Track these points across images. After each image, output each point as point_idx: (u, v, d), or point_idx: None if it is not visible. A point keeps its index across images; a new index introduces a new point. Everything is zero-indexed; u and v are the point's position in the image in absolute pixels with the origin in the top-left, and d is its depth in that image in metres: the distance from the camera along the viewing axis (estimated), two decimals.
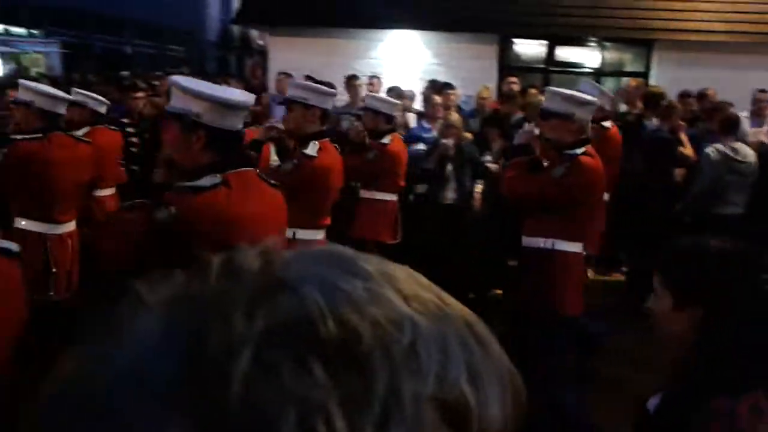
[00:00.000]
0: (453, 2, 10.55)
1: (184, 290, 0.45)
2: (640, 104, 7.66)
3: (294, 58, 10.64)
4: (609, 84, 10.97)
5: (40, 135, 4.10)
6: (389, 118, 5.71)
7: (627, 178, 6.19)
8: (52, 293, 4.13)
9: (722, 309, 1.66)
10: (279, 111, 8.63)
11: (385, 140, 5.61)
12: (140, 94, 7.90)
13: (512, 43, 11.35)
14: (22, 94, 4.28)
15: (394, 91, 8.27)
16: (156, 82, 9.86)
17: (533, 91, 7.91)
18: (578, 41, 11.23)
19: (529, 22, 10.69)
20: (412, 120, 8.02)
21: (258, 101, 8.39)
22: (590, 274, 7.00)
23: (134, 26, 32.70)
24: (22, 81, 4.69)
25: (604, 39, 10.98)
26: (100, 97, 6.14)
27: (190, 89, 2.58)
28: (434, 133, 6.77)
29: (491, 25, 10.72)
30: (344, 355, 0.41)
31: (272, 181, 2.91)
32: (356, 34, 11.05)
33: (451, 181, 6.33)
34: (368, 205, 5.67)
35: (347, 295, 0.43)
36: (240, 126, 2.70)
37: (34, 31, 26.04)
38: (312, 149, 4.03)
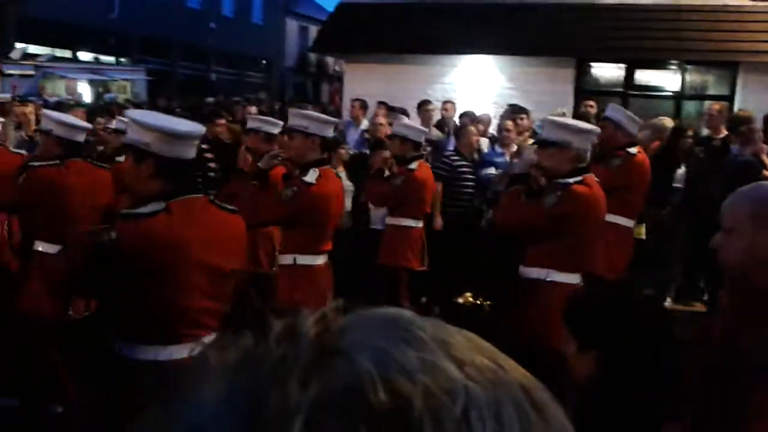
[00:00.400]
0: (528, 26, 10.49)
1: (247, 355, 0.47)
2: (723, 129, 7.39)
3: (368, 84, 10.79)
4: (690, 108, 10.64)
5: (57, 162, 4.31)
6: (417, 145, 5.73)
7: (710, 204, 5.96)
8: (71, 313, 4.30)
9: (617, 354, 1.84)
10: (353, 136, 8.78)
11: (412, 166, 5.61)
12: (221, 122, 8.16)
13: (589, 66, 11.17)
14: (43, 123, 4.55)
15: (467, 116, 8.25)
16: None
17: None
18: (659, 64, 10.96)
19: (606, 45, 10.52)
20: (485, 145, 7.97)
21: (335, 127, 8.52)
22: (669, 303, 6.75)
23: (216, 54, 33.87)
24: (44, 111, 4.97)
25: (687, 62, 10.68)
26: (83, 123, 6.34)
27: (140, 121, 2.73)
28: (507, 158, 6.71)
29: (567, 48, 10.59)
30: (395, 424, 0.41)
31: (230, 207, 3.00)
32: (430, 60, 11.12)
33: None
34: (394, 232, 5.68)
35: (399, 364, 0.44)
36: (191, 155, 2.79)
37: (122, 59, 27.31)
38: (311, 176, 4.08)
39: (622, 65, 10.94)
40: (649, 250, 6.27)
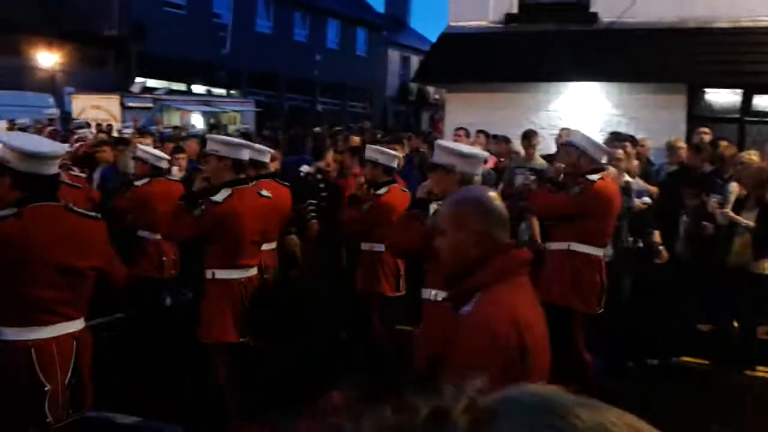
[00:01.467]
0: (637, 52, 10.20)
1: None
2: None
3: (471, 112, 10.77)
4: None
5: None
6: (388, 170, 5.63)
7: None
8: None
9: None
10: None
11: (381, 191, 5.49)
12: (330, 154, 8.36)
13: (703, 91, 10.71)
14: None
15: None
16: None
17: (724, 143, 7.38)
18: None
19: (721, 70, 10.06)
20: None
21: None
22: None
23: (321, 85, 34.82)
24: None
25: None
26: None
27: (4, 142, 3.24)
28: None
29: (679, 73, 10.21)
30: None
31: (90, 214, 3.45)
32: (534, 88, 10.99)
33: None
34: (368, 257, 5.60)
35: None
36: (51, 171, 3.24)
37: (233, 92, 28.54)
38: (220, 196, 4.29)
39: (739, 90, 10.41)
40: None
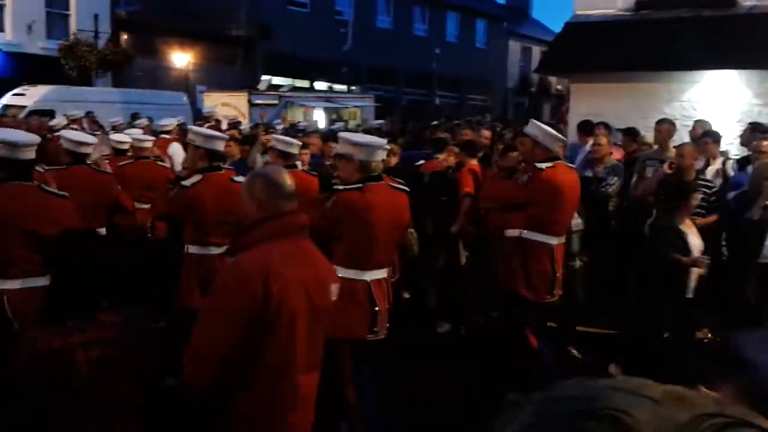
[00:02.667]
0: None
1: None
2: None
3: (596, 104, 10.37)
4: None
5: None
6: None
7: None
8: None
9: None
10: (579, 158, 8.45)
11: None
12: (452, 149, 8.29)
13: None
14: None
15: (711, 136, 7.58)
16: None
17: None
18: None
19: None
20: (730, 167, 7.26)
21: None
22: None
23: (439, 79, 34.77)
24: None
25: None
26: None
27: None
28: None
29: None
30: None
31: (59, 193, 4.25)
32: (667, 77, 10.41)
33: None
34: None
35: None
36: (25, 157, 4.07)
37: (353, 87, 29.03)
38: (189, 181, 4.77)
39: None
40: None
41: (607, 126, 8.65)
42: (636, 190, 7.04)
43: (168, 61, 25.54)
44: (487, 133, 9.47)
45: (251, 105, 18.93)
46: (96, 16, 22.26)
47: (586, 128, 8.84)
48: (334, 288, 2.85)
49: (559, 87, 40.27)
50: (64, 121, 11.24)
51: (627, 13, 10.96)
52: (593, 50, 10.84)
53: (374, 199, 4.07)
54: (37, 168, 5.18)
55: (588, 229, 6.31)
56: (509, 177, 5.56)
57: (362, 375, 4.25)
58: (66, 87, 18.21)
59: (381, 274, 4.20)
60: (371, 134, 10.81)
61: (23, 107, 15.70)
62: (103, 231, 5.85)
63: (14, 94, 16.84)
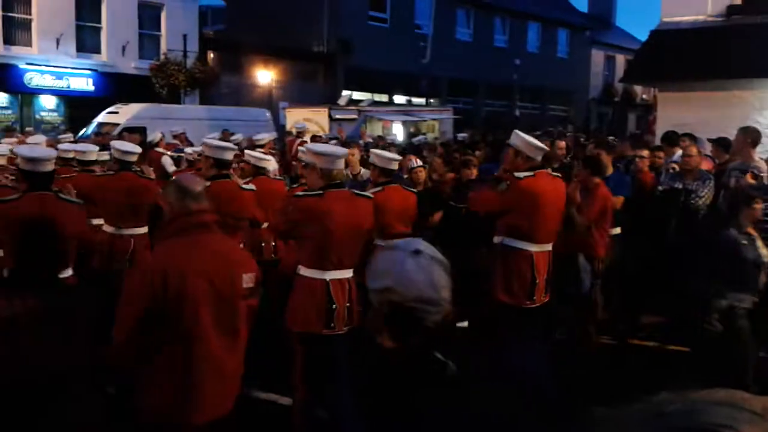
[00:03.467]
0: None
1: None
2: None
3: (684, 113, 10.01)
4: None
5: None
6: (386, 171, 5.97)
7: None
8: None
9: None
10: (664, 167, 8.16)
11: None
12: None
13: None
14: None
15: None
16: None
17: None
18: None
19: None
20: None
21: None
22: None
23: (520, 89, 34.38)
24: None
25: None
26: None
27: (14, 150, 5.21)
28: None
29: None
30: None
31: (73, 200, 4.80)
32: (760, 85, 9.96)
33: None
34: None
35: None
36: (45, 169, 4.64)
37: (431, 100, 29.03)
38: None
39: None
40: None
41: (692, 137, 8.32)
42: (722, 202, 6.78)
43: (252, 78, 26.26)
44: (562, 144, 9.25)
45: (332, 120, 19.20)
46: (185, 36, 23.14)
47: (672, 139, 8.54)
48: (247, 277, 3.15)
49: (644, 96, 39.09)
50: (159, 136, 12.00)
51: (718, 19, 10.54)
52: (682, 58, 10.47)
53: (333, 205, 4.37)
54: (144, 174, 6.63)
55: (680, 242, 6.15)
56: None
57: (338, 376, 4.52)
58: (156, 105, 18.98)
59: (342, 274, 4.45)
60: (449, 147, 10.76)
61: (116, 125, 16.45)
62: (144, 230, 6.38)
63: (108, 112, 17.68)
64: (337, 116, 19.62)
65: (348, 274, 4.51)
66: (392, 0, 29.58)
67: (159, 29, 23.58)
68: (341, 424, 4.51)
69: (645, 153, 8.24)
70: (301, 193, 4.68)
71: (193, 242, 3.06)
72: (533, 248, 5.08)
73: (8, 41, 20.36)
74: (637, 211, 7.26)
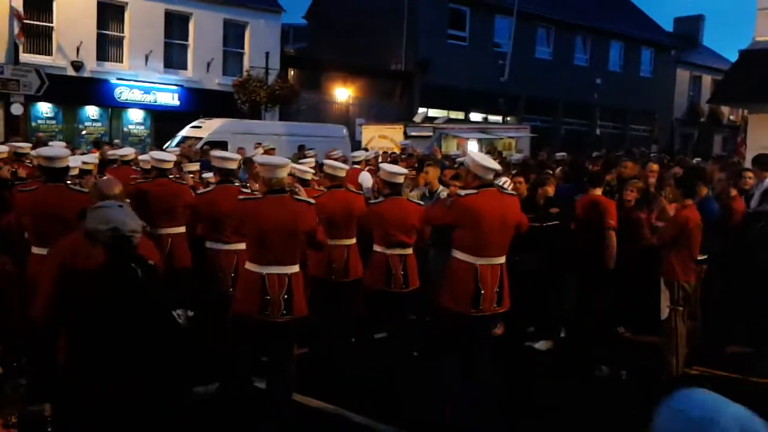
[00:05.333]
0: None
1: None
2: None
3: None
4: None
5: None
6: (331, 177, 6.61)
7: None
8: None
9: None
10: (758, 192, 7.77)
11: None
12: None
13: None
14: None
15: None
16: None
17: None
18: None
19: None
20: None
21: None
22: None
23: (601, 108, 33.68)
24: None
25: None
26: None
27: (35, 152, 6.63)
28: None
29: None
30: None
31: (82, 190, 5.66)
32: None
33: None
34: None
35: None
36: (61, 165, 5.62)
37: (508, 118, 28.74)
38: (204, 190, 6.76)
39: None
40: None
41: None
42: None
43: (330, 95, 26.64)
44: (655, 166, 8.90)
45: (407, 137, 19.24)
46: (267, 54, 23.72)
47: (765, 162, 8.16)
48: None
49: (731, 117, 37.64)
50: (261, 150, 12.86)
51: None
52: None
53: (267, 208, 4.96)
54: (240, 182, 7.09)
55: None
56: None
57: (275, 361, 5.10)
58: (238, 120, 19.48)
59: (278, 269, 4.97)
60: (527, 165, 10.56)
61: (199, 138, 16.95)
62: (181, 229, 7.06)
63: (192, 127, 18.24)
64: (412, 133, 19.65)
65: (287, 269, 5.00)
66: (472, 18, 29.52)
67: (243, 47, 24.26)
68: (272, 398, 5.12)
69: (749, 174, 8.01)
70: (242, 197, 5.35)
71: (77, 244, 3.73)
72: (479, 261, 5.29)
73: (101, 57, 21.35)
74: (727, 237, 6.95)
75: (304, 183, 7.19)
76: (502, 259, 5.41)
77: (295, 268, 5.06)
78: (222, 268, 6.26)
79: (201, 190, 6.43)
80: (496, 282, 5.33)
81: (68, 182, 5.77)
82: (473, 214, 5.24)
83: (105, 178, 6.22)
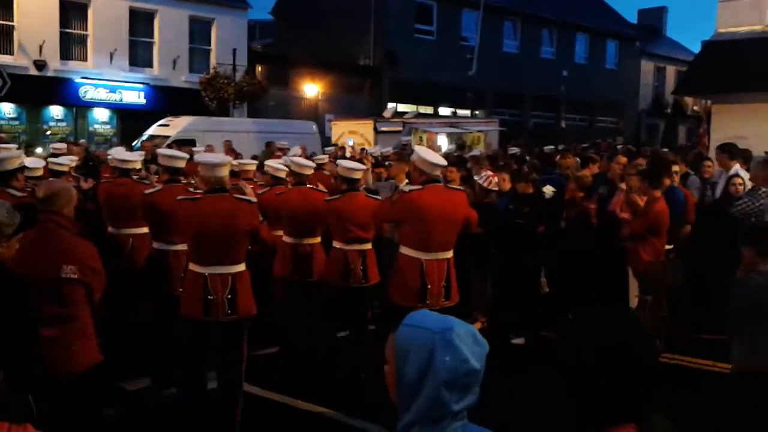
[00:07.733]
0: None
1: None
2: None
3: (740, 125, 9.77)
4: None
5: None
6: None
7: None
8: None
9: None
10: (721, 184, 7.92)
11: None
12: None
13: None
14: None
15: None
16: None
17: None
18: None
19: None
20: None
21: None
22: None
23: (567, 101, 34.00)
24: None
25: None
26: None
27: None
28: None
29: None
30: None
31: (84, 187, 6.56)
32: None
33: None
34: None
35: None
36: (16, 165, 6.03)
37: (477, 112, 28.89)
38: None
39: None
40: None
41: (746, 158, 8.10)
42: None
43: (299, 91, 26.51)
44: (623, 159, 8.93)
45: (377, 132, 19.24)
46: (234, 50, 23.53)
47: (733, 152, 8.30)
48: (66, 267, 3.82)
49: (695, 108, 38.27)
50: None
51: None
52: (737, 69, 10.21)
53: (206, 207, 4.86)
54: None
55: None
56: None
57: (223, 362, 5.00)
58: (206, 118, 19.28)
59: (220, 269, 4.87)
60: (496, 159, 10.63)
61: (167, 137, 16.76)
62: (144, 230, 6.71)
63: (159, 125, 18.03)
64: (382, 128, 19.65)
65: (229, 269, 4.91)
66: (439, 12, 29.59)
67: (209, 44, 24.03)
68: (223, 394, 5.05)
69: (708, 164, 8.14)
70: (180, 197, 5.15)
71: (39, 234, 3.85)
72: (424, 256, 5.32)
73: (64, 56, 20.99)
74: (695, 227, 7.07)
75: (279, 181, 7.12)
76: (449, 254, 5.43)
77: (239, 268, 4.96)
78: (170, 269, 5.96)
79: (148, 191, 6.07)
80: (443, 276, 5.36)
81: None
82: (418, 209, 5.25)
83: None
